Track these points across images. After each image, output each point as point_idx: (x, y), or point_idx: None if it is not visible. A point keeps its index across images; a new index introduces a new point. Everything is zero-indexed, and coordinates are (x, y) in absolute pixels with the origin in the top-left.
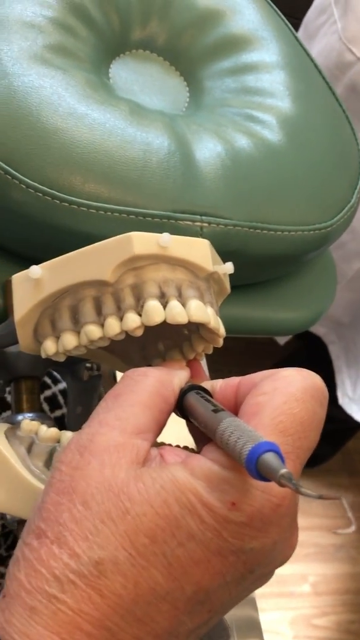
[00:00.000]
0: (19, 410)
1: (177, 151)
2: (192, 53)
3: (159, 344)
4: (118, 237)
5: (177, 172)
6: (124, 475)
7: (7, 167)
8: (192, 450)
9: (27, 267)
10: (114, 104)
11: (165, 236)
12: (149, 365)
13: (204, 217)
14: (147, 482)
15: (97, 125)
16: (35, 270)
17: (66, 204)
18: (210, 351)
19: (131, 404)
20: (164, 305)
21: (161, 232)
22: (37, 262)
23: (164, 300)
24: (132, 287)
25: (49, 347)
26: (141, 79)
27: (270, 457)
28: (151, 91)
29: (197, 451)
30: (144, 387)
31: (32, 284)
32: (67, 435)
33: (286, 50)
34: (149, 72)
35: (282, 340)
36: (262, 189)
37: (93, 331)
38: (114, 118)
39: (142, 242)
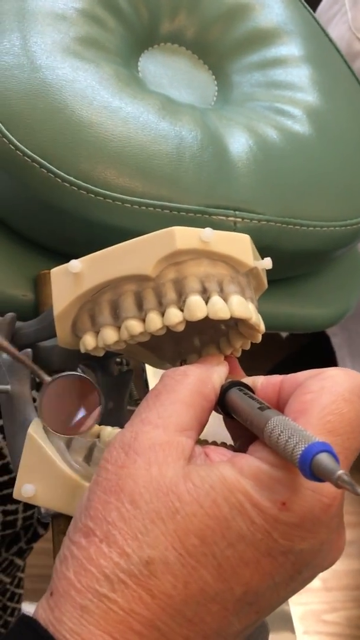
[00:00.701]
0: None
1: (210, 145)
2: (220, 47)
3: (194, 339)
4: (160, 231)
5: (210, 167)
6: (172, 473)
7: (42, 161)
8: (230, 447)
9: (58, 261)
10: (146, 97)
11: (208, 231)
12: (184, 360)
13: (237, 212)
14: (195, 481)
15: (131, 119)
16: (74, 264)
17: (100, 198)
18: (247, 347)
19: (172, 402)
20: (206, 301)
21: (195, 227)
22: (69, 257)
23: (205, 295)
24: (173, 282)
25: (89, 342)
26: (170, 72)
27: (324, 458)
28: (180, 85)
29: (235, 448)
30: (185, 385)
31: (72, 278)
32: (107, 430)
33: (314, 44)
34: (178, 66)
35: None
36: (294, 184)
37: (134, 326)
38: (147, 112)
39: (184, 236)
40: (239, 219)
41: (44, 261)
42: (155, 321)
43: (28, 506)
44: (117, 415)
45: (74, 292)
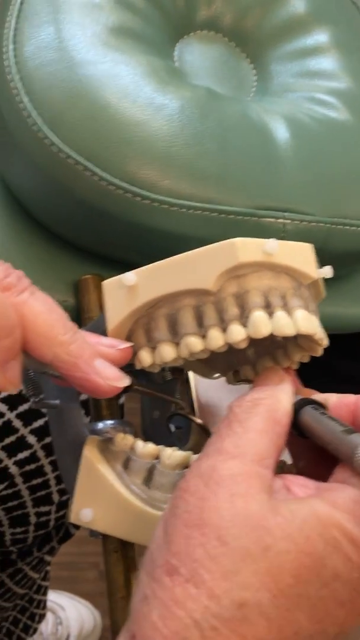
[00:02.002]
0: (99, 417)
1: (256, 142)
2: (258, 34)
3: (248, 350)
4: (221, 243)
5: (258, 166)
6: (257, 507)
7: (87, 163)
8: (290, 466)
9: (100, 266)
10: (189, 91)
11: (272, 242)
12: (236, 371)
13: (286, 214)
14: (286, 516)
15: (175, 116)
16: (129, 277)
17: (147, 202)
18: (307, 360)
19: (246, 430)
20: (270, 316)
21: (243, 230)
22: (111, 261)
23: (269, 310)
24: (234, 296)
25: (145, 359)
26: (207, 62)
27: None
28: (217, 75)
29: (295, 467)
30: (255, 414)
31: (126, 291)
32: (167, 452)
33: (352, 30)
34: (215, 55)
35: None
36: (341, 181)
37: (195, 344)
38: (191, 108)
39: (247, 248)
40: (288, 221)
41: (85, 266)
42: (217, 338)
43: (61, 507)
44: (162, 425)
45: (129, 306)
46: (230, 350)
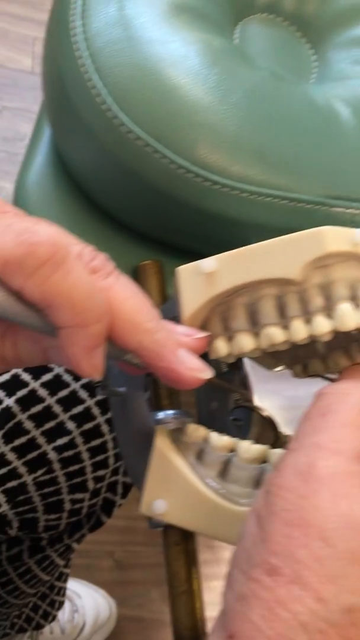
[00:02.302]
0: (159, 407)
1: (325, 129)
2: (319, 20)
3: (318, 343)
4: (308, 231)
5: (328, 153)
6: None
7: (158, 145)
8: None
9: (160, 252)
10: (256, 74)
11: None
12: (304, 365)
13: (357, 204)
14: None
15: (245, 99)
16: (209, 263)
17: (218, 187)
18: None
19: (342, 424)
20: (357, 308)
21: (313, 220)
22: (173, 247)
23: (355, 302)
24: (319, 287)
25: (221, 348)
26: (268, 44)
27: None
28: (278, 59)
29: None
30: (352, 405)
31: (204, 278)
32: (244, 445)
33: None
34: (275, 38)
35: None
36: None
37: (276, 334)
38: (260, 91)
39: (335, 237)
40: (358, 212)
41: (145, 251)
42: (300, 330)
43: (94, 495)
44: (221, 417)
45: (207, 293)
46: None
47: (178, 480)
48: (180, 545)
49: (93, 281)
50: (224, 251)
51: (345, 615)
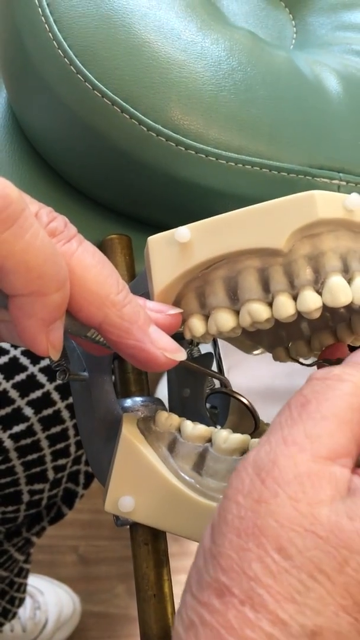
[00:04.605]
0: (127, 393)
1: (309, 95)
2: None
3: (302, 323)
4: (295, 196)
5: (311, 120)
6: (328, 512)
7: (125, 105)
8: None
9: (129, 226)
10: (234, 33)
11: (354, 197)
12: (286, 348)
13: (341, 175)
14: None
15: (224, 58)
16: (182, 232)
17: (192, 152)
18: None
19: (324, 416)
20: (348, 282)
21: (295, 190)
22: (139, 222)
23: (347, 275)
24: (307, 258)
25: (197, 327)
26: (245, 8)
27: None
28: (255, 23)
29: None
30: (340, 395)
31: (178, 249)
32: (222, 434)
33: None
34: (253, 1)
35: None
36: None
37: (259, 311)
38: (240, 50)
39: (327, 203)
40: (344, 182)
41: (111, 225)
42: (286, 306)
43: (54, 485)
44: (193, 405)
45: (181, 266)
46: (282, 323)
47: (148, 474)
48: (149, 544)
49: (53, 243)
50: None
51: None
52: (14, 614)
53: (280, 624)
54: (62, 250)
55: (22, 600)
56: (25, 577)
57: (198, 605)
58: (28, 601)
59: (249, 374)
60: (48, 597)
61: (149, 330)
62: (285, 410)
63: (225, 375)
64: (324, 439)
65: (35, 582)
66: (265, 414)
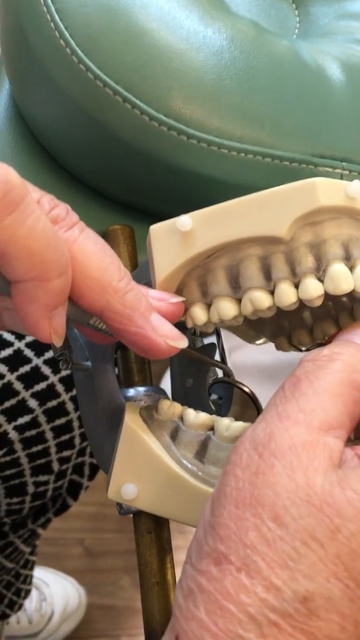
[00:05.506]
0: (130, 383)
1: (312, 84)
2: None
3: (304, 311)
4: (296, 183)
5: (314, 109)
6: (322, 481)
7: (127, 94)
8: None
9: (131, 217)
10: (236, 22)
11: (356, 184)
12: (288, 337)
13: (344, 164)
14: (359, 489)
15: (225, 47)
16: (184, 221)
17: (194, 141)
18: None
19: (316, 391)
20: (350, 270)
21: (297, 178)
22: (141, 212)
23: (349, 263)
24: (309, 245)
25: (198, 316)
26: None
27: None
28: (258, 11)
29: None
30: (331, 372)
31: (179, 238)
32: (224, 422)
33: None
34: None
35: None
36: None
37: (261, 299)
38: (241, 41)
39: (328, 190)
40: (346, 171)
41: (113, 216)
42: (288, 294)
43: (60, 477)
44: (197, 395)
45: (183, 254)
46: (284, 311)
47: (150, 462)
48: (152, 533)
49: (54, 229)
50: None
51: (300, 605)
52: (20, 606)
53: (274, 590)
54: (64, 237)
55: (28, 592)
56: (31, 569)
57: (197, 574)
58: (34, 593)
59: (251, 354)
60: (54, 589)
61: (151, 317)
62: (279, 391)
63: (227, 356)
64: (317, 412)
65: (41, 574)
66: (267, 394)
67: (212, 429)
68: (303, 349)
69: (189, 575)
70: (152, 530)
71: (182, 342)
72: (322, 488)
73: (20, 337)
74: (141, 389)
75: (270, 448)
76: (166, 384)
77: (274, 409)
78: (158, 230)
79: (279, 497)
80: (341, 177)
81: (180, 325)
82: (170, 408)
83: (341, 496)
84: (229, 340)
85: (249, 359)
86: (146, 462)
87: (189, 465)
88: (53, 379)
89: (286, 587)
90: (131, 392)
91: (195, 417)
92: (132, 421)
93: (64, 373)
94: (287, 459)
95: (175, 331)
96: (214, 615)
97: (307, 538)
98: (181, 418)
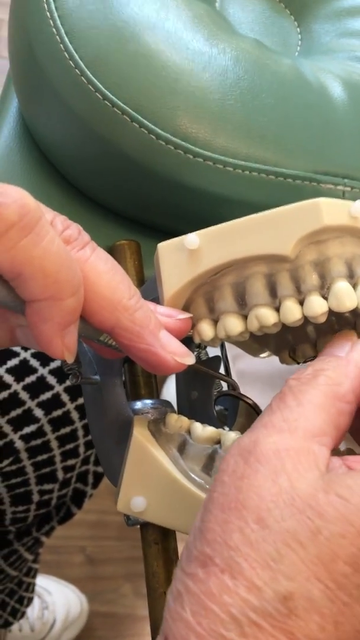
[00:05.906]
0: (137, 396)
1: (314, 103)
2: None
3: (308, 326)
4: (301, 203)
5: (317, 127)
6: (306, 485)
7: (135, 114)
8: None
9: (137, 232)
10: (240, 42)
11: (359, 204)
12: (293, 350)
13: (346, 180)
14: (342, 493)
15: (230, 67)
16: (191, 239)
17: (200, 160)
18: None
19: (300, 403)
20: (354, 287)
21: (301, 197)
22: (148, 228)
23: (352, 281)
24: (313, 264)
25: (206, 332)
26: (250, 15)
27: None
28: (261, 30)
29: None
30: (315, 386)
31: (187, 255)
32: (230, 436)
33: None
34: (258, 9)
35: None
36: None
37: (267, 316)
38: (245, 60)
39: (332, 210)
40: (348, 188)
41: (120, 231)
42: (293, 311)
43: (64, 485)
44: (202, 407)
45: (190, 272)
46: (287, 326)
47: (158, 475)
48: (159, 544)
49: (68, 250)
50: None
51: (280, 604)
52: (23, 614)
53: (256, 590)
54: (76, 257)
55: (30, 600)
56: (34, 576)
57: (185, 577)
58: (36, 601)
59: (255, 362)
60: (56, 597)
61: (159, 334)
62: (267, 406)
63: (231, 364)
64: (300, 421)
65: (43, 583)
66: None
67: (218, 442)
68: (307, 363)
69: (178, 579)
70: (159, 541)
71: (190, 359)
72: (305, 492)
73: (25, 347)
74: (148, 401)
75: (256, 454)
76: (168, 393)
77: (260, 420)
78: (166, 247)
79: (263, 500)
80: (343, 193)
81: (186, 339)
82: (177, 421)
83: (324, 500)
84: (233, 348)
85: (253, 367)
86: (154, 475)
87: (197, 479)
88: (58, 388)
89: (267, 587)
90: (138, 404)
91: (202, 430)
92: (140, 435)
93: (68, 383)
94: (272, 464)
95: (182, 348)
96: (198, 616)
97: (288, 539)
98: (188, 431)
